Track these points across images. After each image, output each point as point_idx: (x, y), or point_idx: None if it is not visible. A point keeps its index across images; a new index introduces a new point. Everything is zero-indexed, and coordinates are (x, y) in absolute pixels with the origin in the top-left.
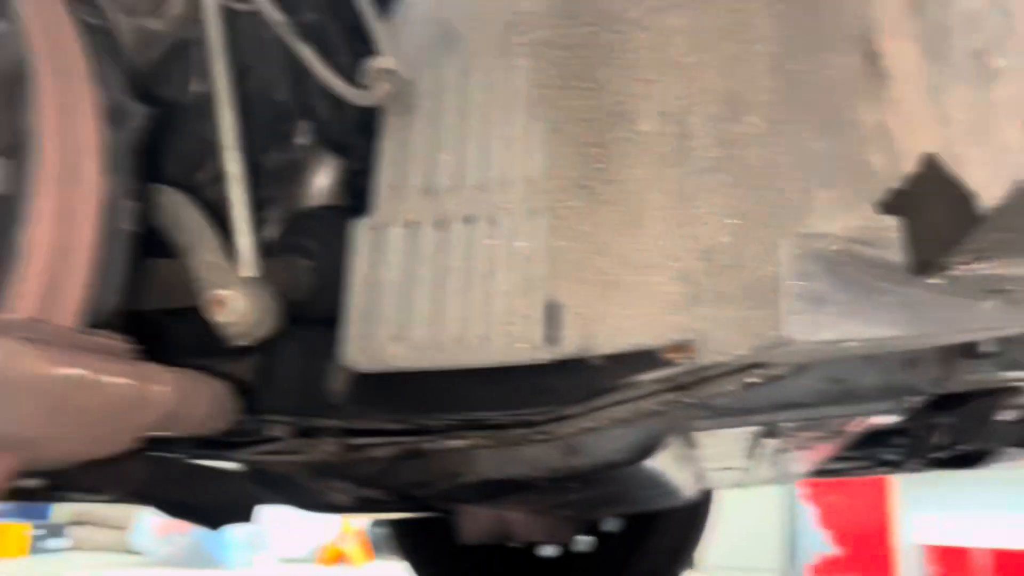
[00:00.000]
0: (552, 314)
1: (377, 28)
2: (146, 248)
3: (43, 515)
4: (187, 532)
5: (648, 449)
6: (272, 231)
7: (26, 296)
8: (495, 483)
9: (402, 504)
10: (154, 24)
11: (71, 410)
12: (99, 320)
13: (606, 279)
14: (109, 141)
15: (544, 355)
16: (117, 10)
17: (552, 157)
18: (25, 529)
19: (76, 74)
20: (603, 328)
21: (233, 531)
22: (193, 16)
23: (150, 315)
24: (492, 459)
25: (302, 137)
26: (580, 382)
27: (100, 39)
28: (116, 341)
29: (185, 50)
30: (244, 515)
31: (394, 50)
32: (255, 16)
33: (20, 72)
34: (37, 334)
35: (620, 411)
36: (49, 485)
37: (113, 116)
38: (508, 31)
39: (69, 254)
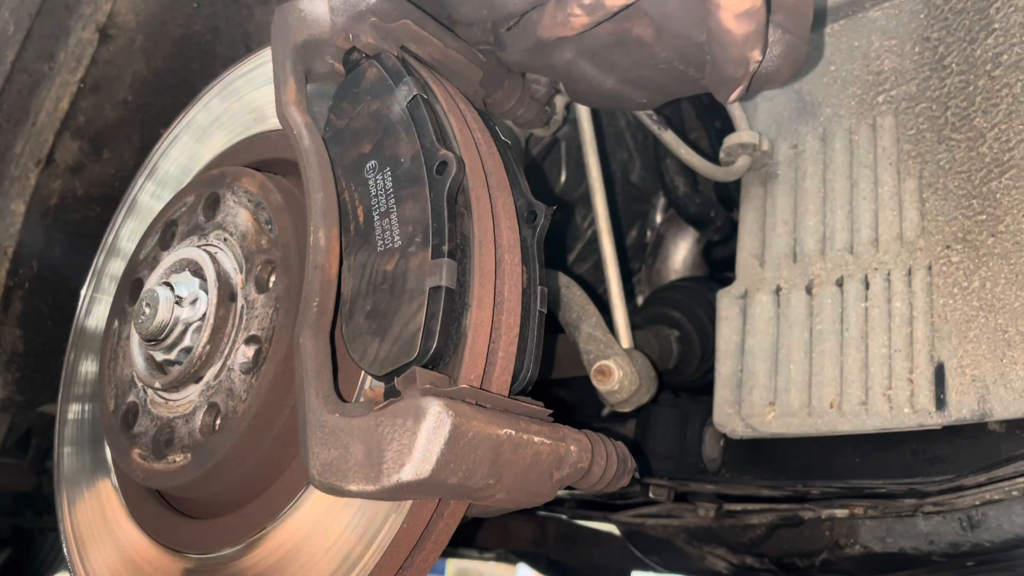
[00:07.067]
0: (939, 376)
1: (733, 105)
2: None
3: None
4: None
5: None
6: (638, 304)
7: (470, 368)
8: (884, 557)
9: (782, 574)
10: (540, 132)
11: (506, 464)
12: (522, 389)
13: (1001, 337)
14: (524, 238)
15: (932, 420)
16: (518, 126)
17: (927, 213)
18: None
19: (498, 185)
20: (1000, 391)
21: None
22: (565, 117)
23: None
24: (879, 530)
25: (660, 213)
26: (978, 450)
27: (510, 152)
28: (535, 406)
29: (555, 147)
30: None
31: (751, 123)
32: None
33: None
34: (480, 400)
35: None
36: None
37: (526, 216)
38: (869, 91)
39: (500, 334)
